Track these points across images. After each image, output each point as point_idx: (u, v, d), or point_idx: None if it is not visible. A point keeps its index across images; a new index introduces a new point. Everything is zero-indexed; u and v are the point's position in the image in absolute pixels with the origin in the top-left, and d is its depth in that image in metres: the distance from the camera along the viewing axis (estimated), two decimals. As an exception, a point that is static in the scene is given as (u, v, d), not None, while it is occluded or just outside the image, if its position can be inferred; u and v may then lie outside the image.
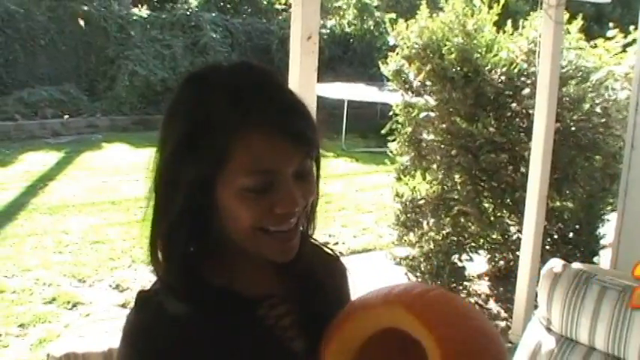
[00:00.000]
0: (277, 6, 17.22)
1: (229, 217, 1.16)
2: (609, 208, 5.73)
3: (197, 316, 1.16)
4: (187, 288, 1.18)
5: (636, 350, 2.69)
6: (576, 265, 2.98)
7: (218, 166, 1.12)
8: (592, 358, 2.78)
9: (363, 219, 8.09)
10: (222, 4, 17.43)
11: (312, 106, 1.21)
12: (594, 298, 2.78)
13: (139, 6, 16.05)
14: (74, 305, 5.40)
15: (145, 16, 15.43)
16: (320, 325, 1.26)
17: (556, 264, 2.96)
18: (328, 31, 16.69)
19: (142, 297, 1.22)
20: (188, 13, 15.91)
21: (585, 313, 2.79)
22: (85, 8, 14.23)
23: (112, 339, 2.03)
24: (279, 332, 1.25)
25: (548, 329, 2.97)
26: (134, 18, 15.19)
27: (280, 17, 16.87)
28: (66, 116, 12.83)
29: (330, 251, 1.44)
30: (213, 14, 16.10)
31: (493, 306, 5.64)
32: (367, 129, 11.97)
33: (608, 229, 5.70)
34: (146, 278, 3.35)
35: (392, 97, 6.00)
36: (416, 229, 5.58)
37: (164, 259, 1.19)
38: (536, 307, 3.14)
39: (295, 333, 1.26)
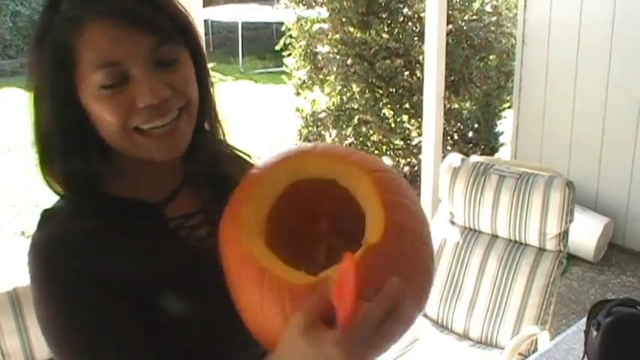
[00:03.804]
0: None
1: (99, 122, 1.10)
2: (507, 105, 5.85)
3: (103, 226, 1.12)
4: (88, 201, 1.15)
5: (536, 235, 2.78)
6: (474, 158, 3.02)
7: (68, 68, 1.07)
8: (495, 246, 2.85)
9: (267, 138, 8.03)
10: None
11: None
12: (493, 187, 2.84)
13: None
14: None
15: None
16: None
17: (454, 158, 3.00)
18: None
19: (46, 214, 1.17)
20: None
21: (485, 202, 2.85)
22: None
23: (18, 278, 1.96)
24: (193, 242, 1.20)
25: (452, 222, 3.02)
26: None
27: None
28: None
29: (247, 157, 1.38)
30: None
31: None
32: (264, 50, 11.76)
33: (506, 126, 5.83)
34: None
35: (286, 14, 5.89)
36: (319, 142, 5.58)
37: (61, 177, 1.15)
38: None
39: (206, 234, 1.21)
